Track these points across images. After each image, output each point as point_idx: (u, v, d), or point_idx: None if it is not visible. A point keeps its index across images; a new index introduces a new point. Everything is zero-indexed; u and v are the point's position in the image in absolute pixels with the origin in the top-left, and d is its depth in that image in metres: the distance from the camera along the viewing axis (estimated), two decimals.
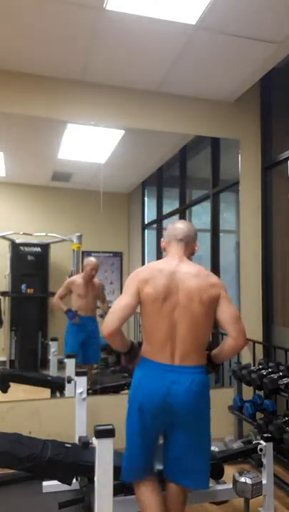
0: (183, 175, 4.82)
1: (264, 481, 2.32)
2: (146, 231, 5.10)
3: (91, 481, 2.13)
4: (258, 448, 2.38)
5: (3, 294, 4.37)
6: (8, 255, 4.49)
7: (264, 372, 3.25)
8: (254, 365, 3.65)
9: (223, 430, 3.60)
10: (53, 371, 4.11)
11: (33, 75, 3.49)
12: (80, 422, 3.04)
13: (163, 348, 2.05)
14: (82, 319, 4.21)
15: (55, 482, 2.44)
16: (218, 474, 2.51)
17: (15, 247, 4.48)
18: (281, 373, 3.14)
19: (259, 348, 3.87)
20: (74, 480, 2.42)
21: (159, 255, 4.71)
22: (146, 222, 5.13)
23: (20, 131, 3.94)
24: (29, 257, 4.54)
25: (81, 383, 3.09)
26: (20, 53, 3.24)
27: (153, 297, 2.05)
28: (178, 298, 2.05)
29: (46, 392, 3.72)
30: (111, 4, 2.65)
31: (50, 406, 3.53)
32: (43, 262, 4.58)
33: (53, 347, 4.15)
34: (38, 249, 4.56)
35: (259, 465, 2.53)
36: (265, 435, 2.43)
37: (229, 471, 2.64)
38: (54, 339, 4.21)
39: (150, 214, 5.14)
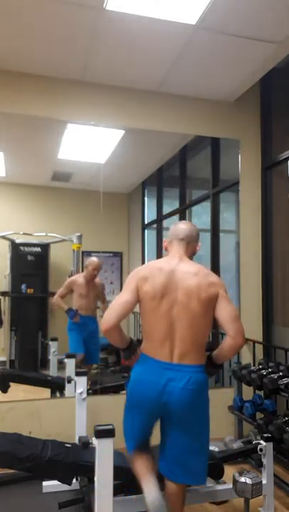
0: (183, 175, 4.81)
1: (264, 481, 2.32)
2: (146, 231, 5.10)
3: (91, 481, 2.13)
4: (258, 448, 2.38)
5: (3, 294, 4.37)
6: (8, 255, 4.49)
7: (264, 372, 3.25)
8: (254, 365, 3.65)
9: (223, 430, 3.60)
10: (53, 371, 4.11)
11: (33, 75, 3.49)
12: (80, 422, 3.05)
13: (162, 345, 2.07)
14: (83, 318, 4.21)
15: (55, 482, 2.44)
16: (218, 474, 2.51)
17: (15, 247, 4.49)
18: (281, 373, 3.14)
19: (259, 348, 3.87)
20: (74, 480, 2.42)
21: (159, 255, 4.71)
22: (146, 222, 5.13)
23: (20, 131, 3.94)
24: (29, 257, 4.54)
25: (81, 383, 3.09)
26: (20, 53, 3.24)
27: (151, 295, 2.08)
28: (176, 296, 2.07)
29: (46, 392, 3.73)
30: (111, 4, 2.65)
31: (50, 406, 3.53)
32: (43, 262, 4.58)
33: (53, 347, 4.15)
34: (38, 249, 4.56)
35: (259, 465, 2.53)
36: (265, 435, 2.43)
37: (229, 471, 2.64)
38: (54, 339, 4.22)
39: (150, 214, 5.14)
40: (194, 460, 2.11)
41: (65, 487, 2.43)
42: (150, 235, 5.07)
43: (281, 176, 3.94)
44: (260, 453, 2.38)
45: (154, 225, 5.10)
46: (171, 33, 2.93)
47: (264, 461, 2.38)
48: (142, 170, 4.92)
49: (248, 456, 3.13)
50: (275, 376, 3.10)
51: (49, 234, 4.51)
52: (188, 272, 2.11)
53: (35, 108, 3.53)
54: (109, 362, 4.61)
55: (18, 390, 3.68)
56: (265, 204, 4.02)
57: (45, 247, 4.58)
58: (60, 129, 3.93)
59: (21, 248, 4.51)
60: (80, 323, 4.18)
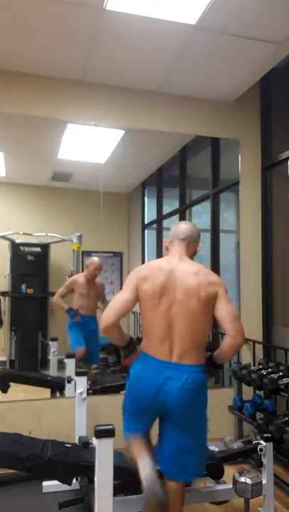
0: (183, 175, 4.81)
1: (264, 481, 2.32)
2: (146, 231, 5.10)
3: (91, 481, 2.13)
4: (258, 448, 2.39)
5: (3, 294, 4.37)
6: (8, 255, 4.49)
7: (264, 372, 3.25)
8: (254, 365, 3.65)
9: (223, 430, 3.60)
10: (53, 371, 4.11)
11: (33, 75, 3.49)
12: (80, 422, 3.05)
13: (161, 344, 2.08)
14: (83, 318, 4.21)
15: (55, 482, 2.44)
16: (218, 474, 2.51)
17: (15, 247, 4.49)
18: (281, 373, 3.14)
19: (259, 348, 3.87)
20: (74, 480, 2.42)
21: (159, 255, 4.71)
22: (146, 222, 5.13)
23: (21, 131, 3.95)
24: (29, 257, 4.54)
25: (81, 383, 3.09)
26: (20, 53, 3.24)
27: (150, 294, 2.08)
28: (175, 295, 2.07)
29: (46, 392, 3.73)
30: (111, 4, 2.65)
31: (50, 406, 3.53)
32: (43, 262, 4.58)
33: (53, 347, 4.15)
34: (38, 249, 4.56)
35: (259, 465, 2.53)
36: (265, 435, 2.43)
37: (229, 471, 2.64)
38: (54, 339, 4.22)
39: (150, 214, 5.14)
40: (191, 459, 2.12)
41: (65, 487, 2.43)
42: (150, 235, 5.07)
43: (281, 176, 3.94)
44: (260, 453, 2.38)
45: (154, 225, 5.10)
46: (171, 33, 2.93)
47: (264, 461, 2.38)
48: (142, 170, 4.92)
49: (248, 456, 3.13)
50: (275, 376, 3.10)
51: (49, 234, 4.51)
52: (188, 272, 2.12)
53: (35, 108, 3.53)
54: (109, 362, 4.61)
55: (18, 390, 3.68)
56: (265, 204, 4.02)
57: (45, 247, 4.58)
58: (60, 129, 3.93)
59: (21, 248, 4.51)
60: (81, 323, 4.18)
